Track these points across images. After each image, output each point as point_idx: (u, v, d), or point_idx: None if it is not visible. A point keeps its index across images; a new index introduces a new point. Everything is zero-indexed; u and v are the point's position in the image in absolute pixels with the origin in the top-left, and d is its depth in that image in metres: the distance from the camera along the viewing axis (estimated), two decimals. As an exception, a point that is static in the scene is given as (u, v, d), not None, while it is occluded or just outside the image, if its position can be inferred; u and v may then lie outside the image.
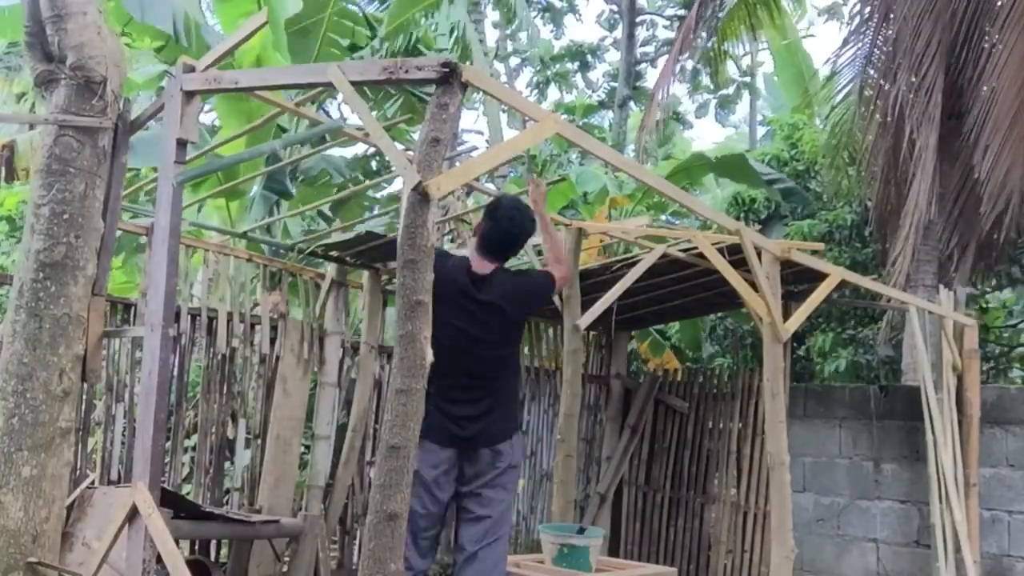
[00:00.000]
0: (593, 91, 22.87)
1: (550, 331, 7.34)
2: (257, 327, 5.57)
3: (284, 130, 7.89)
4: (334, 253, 5.69)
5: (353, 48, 8.15)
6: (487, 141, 15.58)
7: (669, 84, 8.86)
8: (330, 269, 5.84)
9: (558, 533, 4.38)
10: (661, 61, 18.87)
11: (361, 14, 8.34)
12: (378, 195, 9.40)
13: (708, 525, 7.09)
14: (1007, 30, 6.33)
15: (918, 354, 5.97)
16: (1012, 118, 6.15)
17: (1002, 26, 6.39)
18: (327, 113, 9.69)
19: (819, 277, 5.12)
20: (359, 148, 9.05)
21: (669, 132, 19.33)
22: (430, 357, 2.70)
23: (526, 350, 7.25)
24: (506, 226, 3.88)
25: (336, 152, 9.13)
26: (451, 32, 8.67)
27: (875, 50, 7.78)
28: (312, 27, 7.64)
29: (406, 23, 8.39)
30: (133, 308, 5.00)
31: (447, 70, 2.67)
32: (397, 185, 10.43)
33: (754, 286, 4.63)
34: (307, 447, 6.10)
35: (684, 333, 9.23)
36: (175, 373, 5.03)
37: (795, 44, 11.60)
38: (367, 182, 8.36)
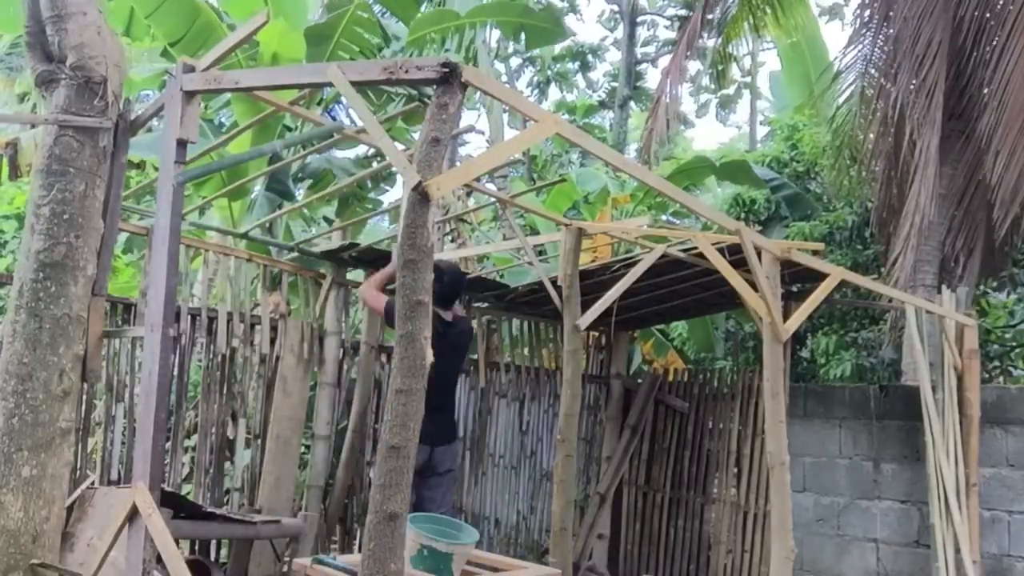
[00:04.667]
0: (594, 91, 22.87)
1: (550, 331, 7.34)
2: (257, 327, 5.57)
3: (290, 130, 7.90)
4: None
5: (365, 57, 8.17)
6: (488, 141, 15.58)
7: (676, 87, 8.82)
8: (330, 269, 5.84)
9: (422, 530, 3.90)
10: (662, 61, 18.89)
11: (378, 24, 8.35)
12: (381, 197, 9.42)
13: (708, 525, 7.09)
14: (1015, 35, 6.30)
15: (916, 354, 5.97)
16: (1023, 122, 6.13)
17: (1010, 30, 6.36)
18: (333, 116, 9.69)
19: (819, 277, 5.12)
20: (361, 149, 9.06)
21: (672, 133, 19.32)
22: (430, 357, 2.71)
23: (526, 351, 7.26)
24: (454, 280, 5.38)
25: (340, 154, 9.13)
26: (462, 47, 8.71)
27: (876, 51, 7.77)
28: (327, 33, 7.65)
29: (422, 39, 8.43)
30: (133, 308, 5.00)
31: (447, 70, 2.67)
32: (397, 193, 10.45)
33: (754, 286, 4.63)
34: (307, 447, 6.10)
35: (694, 334, 9.21)
36: (175, 373, 5.03)
37: (803, 42, 11.52)
38: (367, 182, 8.37)
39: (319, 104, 8.60)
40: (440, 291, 4.93)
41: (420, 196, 2.63)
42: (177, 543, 3.79)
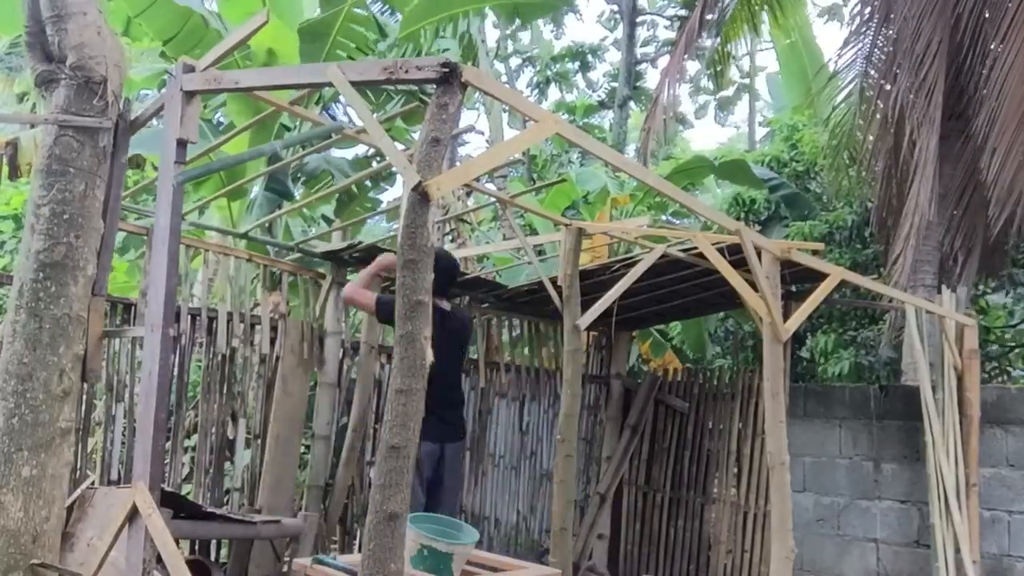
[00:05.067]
0: (594, 91, 22.85)
1: (550, 331, 7.34)
2: (257, 327, 5.57)
3: (288, 129, 7.89)
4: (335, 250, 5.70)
5: (363, 53, 8.18)
6: (488, 141, 15.59)
7: (675, 87, 8.83)
8: (330, 269, 5.84)
9: (422, 530, 3.87)
10: (661, 61, 18.90)
11: (374, 20, 8.33)
12: (380, 196, 9.42)
13: (708, 525, 7.09)
14: (1013, 31, 6.30)
15: (916, 354, 5.97)
16: (1019, 120, 6.13)
17: (1008, 27, 6.37)
18: (331, 115, 9.69)
19: (819, 277, 5.12)
20: (360, 149, 9.06)
21: (671, 133, 19.34)
22: (430, 357, 2.71)
23: (527, 350, 7.25)
24: (449, 268, 5.16)
25: (337, 153, 9.13)
26: (460, 40, 8.69)
27: (875, 50, 7.77)
28: (323, 31, 7.63)
29: (416, 34, 8.42)
30: (133, 308, 5.00)
31: (447, 70, 2.67)
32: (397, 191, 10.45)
33: (754, 286, 4.63)
34: (307, 447, 6.10)
35: (687, 333, 9.23)
36: (175, 373, 5.03)
37: (800, 42, 11.54)
38: (367, 181, 8.36)
39: (317, 103, 8.60)
40: (435, 280, 5.11)
41: (420, 196, 2.63)
42: (177, 543, 3.79)
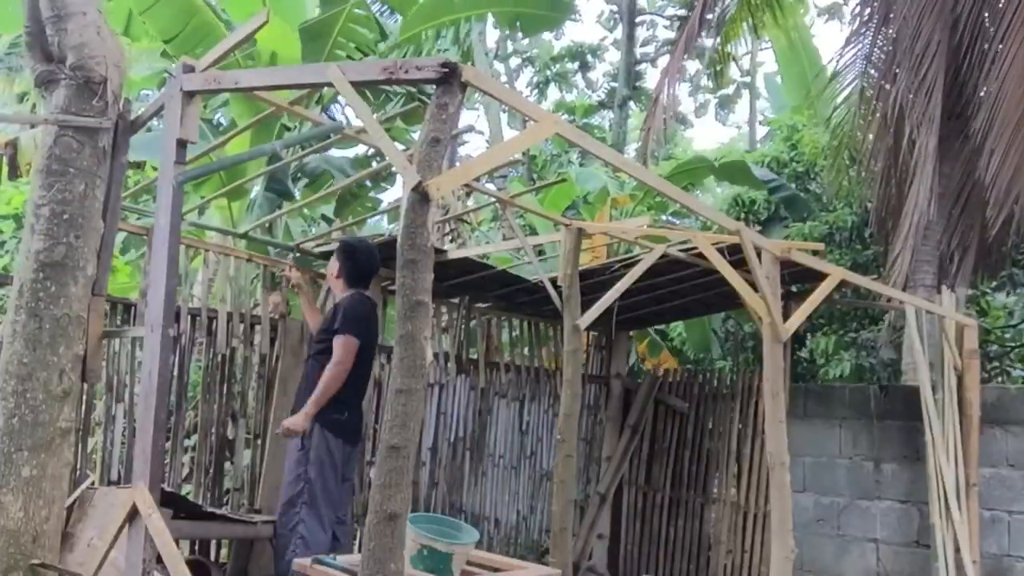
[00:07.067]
0: (593, 91, 22.86)
1: (550, 331, 7.34)
2: (257, 327, 5.57)
3: (288, 129, 7.89)
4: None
5: (363, 53, 8.20)
6: (487, 141, 15.59)
7: (674, 87, 8.82)
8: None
9: (422, 530, 3.86)
10: (661, 61, 18.89)
11: (375, 20, 8.37)
12: (380, 196, 9.42)
13: (708, 525, 7.09)
14: (1011, 32, 6.31)
15: (915, 354, 5.97)
16: (1018, 121, 6.13)
17: (1006, 28, 6.37)
18: (331, 116, 9.70)
19: (819, 277, 5.12)
20: (360, 149, 9.06)
21: (670, 132, 19.33)
22: (430, 357, 2.71)
23: (527, 350, 7.24)
24: (369, 260, 4.98)
25: (337, 153, 9.13)
26: (458, 43, 8.77)
27: (875, 50, 7.77)
28: (324, 31, 7.64)
29: (417, 36, 8.45)
30: (133, 308, 5.00)
31: (447, 70, 2.67)
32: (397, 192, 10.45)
33: (754, 286, 4.63)
34: (307, 447, 6.08)
35: (691, 333, 9.22)
36: (175, 373, 5.02)
37: (800, 43, 11.55)
38: (367, 181, 8.36)
39: (317, 103, 8.61)
40: (351, 271, 4.92)
41: (420, 196, 2.63)
42: (177, 543, 3.79)
